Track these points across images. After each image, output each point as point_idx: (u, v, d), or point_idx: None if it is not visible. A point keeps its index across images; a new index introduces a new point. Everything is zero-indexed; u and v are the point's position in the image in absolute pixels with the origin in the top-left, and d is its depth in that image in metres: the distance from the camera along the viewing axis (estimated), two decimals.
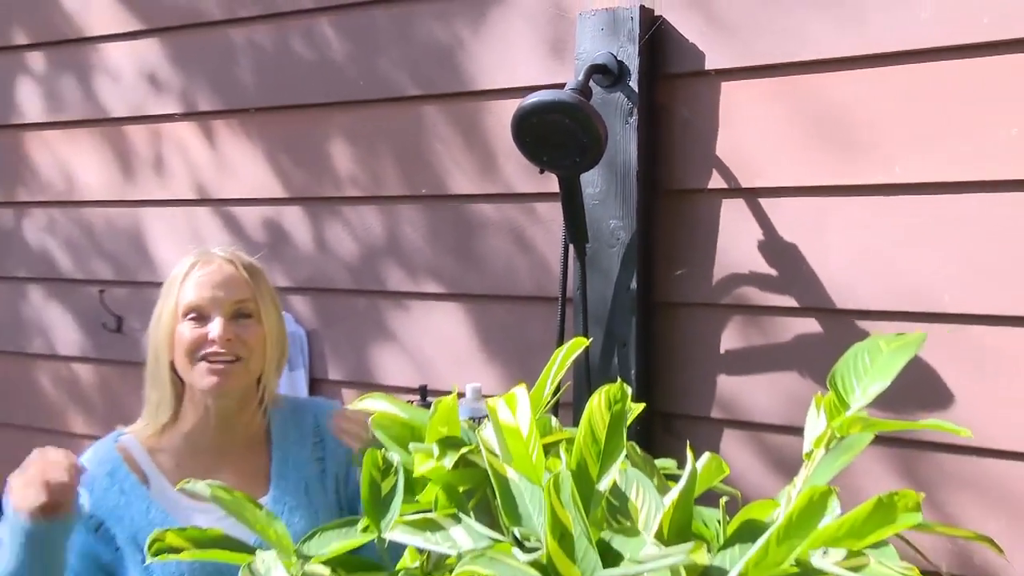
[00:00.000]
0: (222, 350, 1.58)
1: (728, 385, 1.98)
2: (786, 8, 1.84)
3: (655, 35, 1.95)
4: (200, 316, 1.60)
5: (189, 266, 1.63)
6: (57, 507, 1.47)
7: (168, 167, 2.70)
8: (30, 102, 2.95)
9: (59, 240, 2.95)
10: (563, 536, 1.04)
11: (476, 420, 1.52)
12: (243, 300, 1.63)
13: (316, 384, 2.50)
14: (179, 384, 1.64)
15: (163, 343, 1.62)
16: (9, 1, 3.00)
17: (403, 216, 2.36)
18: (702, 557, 1.08)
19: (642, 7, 1.92)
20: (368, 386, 2.40)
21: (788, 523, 1.02)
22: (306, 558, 1.23)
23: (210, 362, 1.59)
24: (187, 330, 1.60)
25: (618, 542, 1.11)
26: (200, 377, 1.59)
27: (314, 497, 1.73)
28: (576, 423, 1.22)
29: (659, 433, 2.01)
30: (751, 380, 1.95)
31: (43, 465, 1.49)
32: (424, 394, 2.22)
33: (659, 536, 1.13)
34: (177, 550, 1.22)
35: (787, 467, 1.89)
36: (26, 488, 1.47)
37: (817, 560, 1.05)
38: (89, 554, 1.62)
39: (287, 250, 2.52)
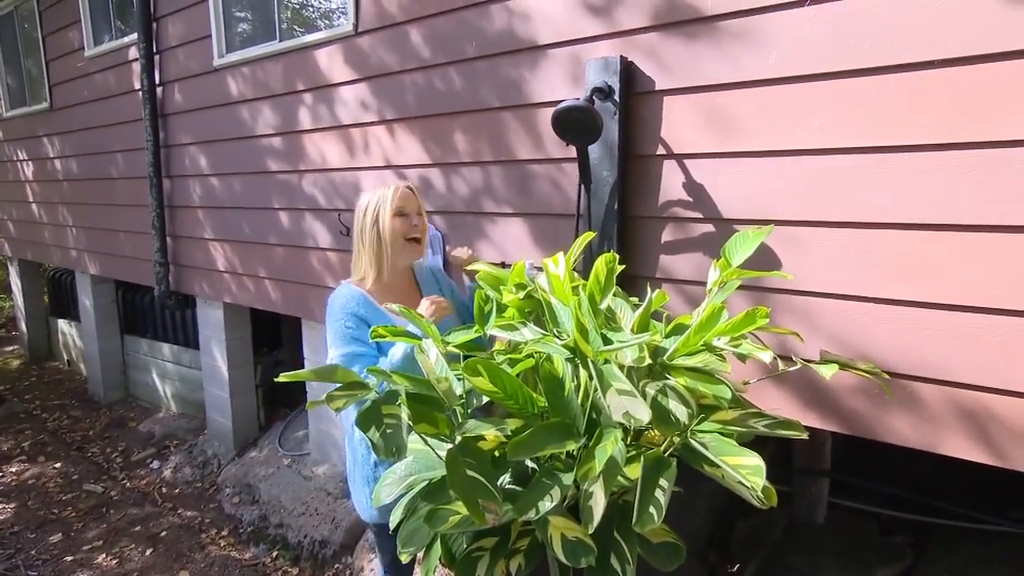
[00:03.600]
0: (418, 233, 1.71)
1: (665, 259, 2.07)
2: (697, 56, 1.91)
3: (628, 71, 2.03)
4: (404, 215, 1.71)
5: (393, 190, 1.73)
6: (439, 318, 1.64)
7: (370, 149, 2.86)
8: (304, 118, 3.13)
9: (318, 189, 3.15)
10: (583, 330, 1.20)
11: (531, 277, 1.60)
12: (420, 205, 1.75)
13: (446, 264, 2.58)
14: (378, 256, 1.73)
15: (383, 230, 1.70)
16: (292, 64, 3.14)
17: (492, 172, 2.47)
18: (655, 340, 1.27)
19: (621, 56, 2.01)
20: (475, 262, 2.45)
21: (700, 324, 1.23)
22: (447, 343, 1.40)
23: (414, 239, 1.71)
24: (399, 223, 1.70)
25: (611, 333, 1.28)
26: (409, 248, 1.71)
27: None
28: (587, 277, 1.38)
29: (628, 284, 2.10)
30: (677, 257, 2.04)
31: (433, 303, 1.64)
32: (504, 264, 2.33)
33: (632, 331, 1.31)
34: (383, 336, 1.40)
35: (695, 302, 1.99)
36: (428, 309, 1.63)
37: (715, 342, 1.23)
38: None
39: (431, 191, 2.66)
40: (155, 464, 4.36)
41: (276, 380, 1.27)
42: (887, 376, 1.56)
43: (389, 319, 1.71)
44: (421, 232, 1.74)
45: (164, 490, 4.04)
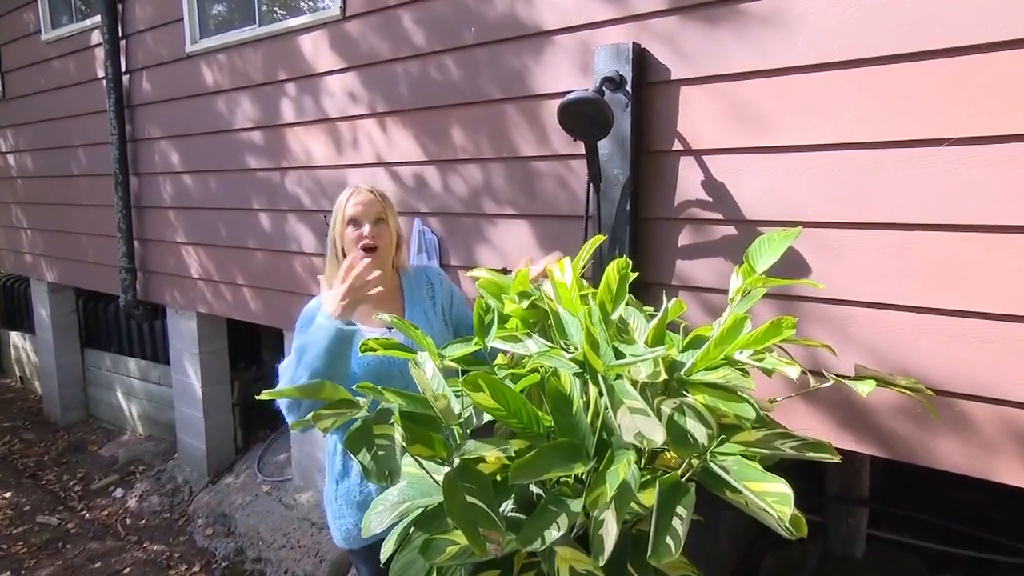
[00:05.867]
0: (369, 242, 1.72)
1: (682, 265, 2.09)
2: (717, 42, 1.93)
3: (641, 59, 2.05)
4: (357, 223, 1.73)
5: (348, 195, 1.75)
6: (358, 302, 1.54)
7: (360, 144, 2.89)
8: (286, 110, 3.17)
9: (302, 188, 3.19)
10: (592, 343, 1.16)
11: (536, 285, 1.58)
12: (378, 213, 1.74)
13: (444, 267, 2.65)
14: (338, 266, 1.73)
15: (338, 238, 1.75)
16: (273, 51, 3.17)
17: (493, 170, 2.49)
18: (672, 353, 1.28)
19: (634, 43, 2.03)
20: (474, 267, 2.45)
21: (721, 335, 1.22)
22: (443, 357, 1.40)
23: (364, 249, 1.71)
24: (351, 232, 1.73)
25: (623, 346, 1.26)
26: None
27: (429, 319, 1.81)
28: (596, 284, 1.37)
29: (642, 292, 2.12)
30: (696, 262, 2.05)
31: (352, 281, 1.53)
32: (506, 271, 2.29)
33: (646, 343, 1.31)
34: (374, 349, 1.41)
35: (716, 311, 2.00)
36: (341, 299, 1.52)
37: (737, 355, 1.23)
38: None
39: (427, 191, 2.69)
40: (118, 492, 4.38)
41: (256, 398, 1.27)
42: (931, 393, 1.55)
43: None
44: (375, 242, 1.73)
45: (128, 522, 4.05)
